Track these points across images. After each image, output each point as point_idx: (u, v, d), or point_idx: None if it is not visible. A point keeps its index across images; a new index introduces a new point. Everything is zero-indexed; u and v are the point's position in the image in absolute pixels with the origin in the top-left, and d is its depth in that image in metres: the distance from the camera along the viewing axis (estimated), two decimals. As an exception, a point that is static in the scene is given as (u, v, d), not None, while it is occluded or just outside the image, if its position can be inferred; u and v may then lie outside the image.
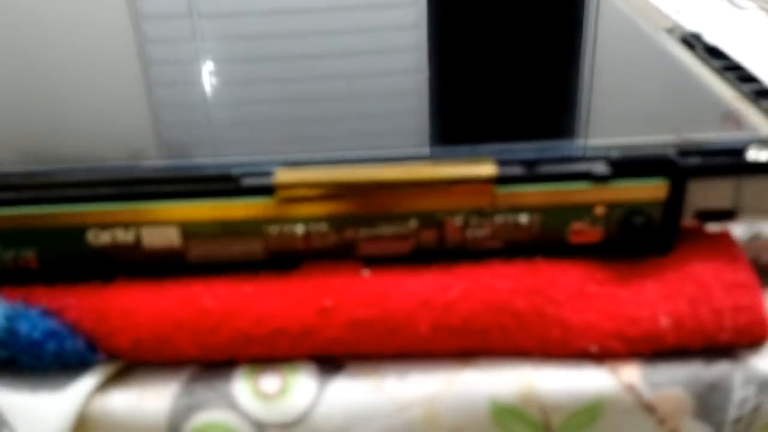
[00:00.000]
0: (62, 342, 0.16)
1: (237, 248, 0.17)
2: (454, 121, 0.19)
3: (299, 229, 0.16)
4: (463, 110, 0.20)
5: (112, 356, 0.16)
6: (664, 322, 0.16)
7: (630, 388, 0.16)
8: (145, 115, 0.20)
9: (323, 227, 0.16)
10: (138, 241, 0.16)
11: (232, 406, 0.16)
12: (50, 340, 0.16)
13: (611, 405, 0.16)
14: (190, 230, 0.16)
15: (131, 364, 0.16)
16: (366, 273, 0.17)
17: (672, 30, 0.23)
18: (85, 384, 0.16)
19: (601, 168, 0.16)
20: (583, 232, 0.17)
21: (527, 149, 0.17)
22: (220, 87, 0.22)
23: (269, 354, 0.16)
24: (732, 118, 0.18)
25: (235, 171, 0.16)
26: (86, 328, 0.16)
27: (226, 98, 0.22)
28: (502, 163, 0.16)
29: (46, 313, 0.16)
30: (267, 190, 0.16)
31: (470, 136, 0.18)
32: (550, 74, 0.22)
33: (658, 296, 0.16)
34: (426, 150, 0.17)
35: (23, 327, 0.16)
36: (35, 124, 0.20)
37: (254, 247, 0.17)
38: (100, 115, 0.20)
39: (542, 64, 0.22)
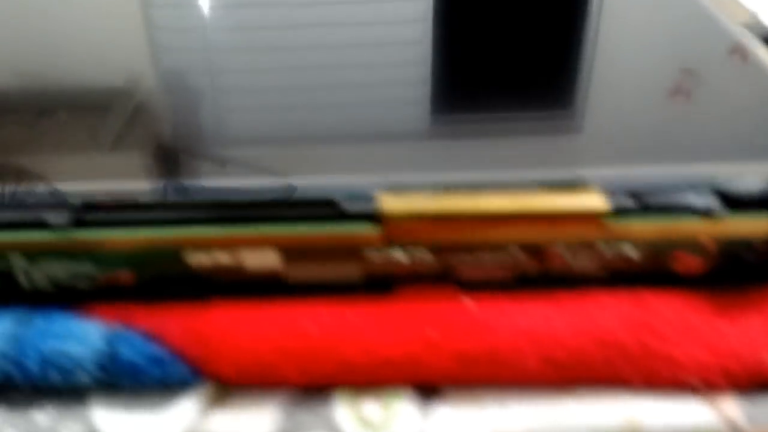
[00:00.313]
0: (165, 367, 0.16)
1: (336, 271, 0.16)
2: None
3: (400, 255, 0.16)
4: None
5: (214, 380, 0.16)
6: (769, 358, 0.16)
7: (730, 422, 0.16)
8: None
9: (424, 253, 0.16)
10: (237, 263, 0.16)
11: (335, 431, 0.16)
12: (153, 366, 0.16)
13: (711, 438, 0.16)
14: (290, 253, 0.16)
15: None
16: (467, 301, 0.16)
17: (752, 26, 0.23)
18: (187, 407, 0.16)
19: (712, 203, 0.16)
20: (688, 262, 0.16)
21: (633, 176, 0.16)
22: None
23: (371, 381, 0.16)
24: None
25: (337, 196, 0.16)
26: (189, 353, 0.16)
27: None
28: (610, 193, 0.16)
29: (148, 337, 0.16)
30: (370, 217, 0.16)
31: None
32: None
33: (763, 331, 0.16)
34: (532, 174, 0.16)
35: (125, 352, 0.16)
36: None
37: (353, 270, 0.16)
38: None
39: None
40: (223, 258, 0.16)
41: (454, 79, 0.22)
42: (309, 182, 0.16)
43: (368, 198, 0.16)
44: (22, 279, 0.16)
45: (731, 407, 0.16)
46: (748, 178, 0.16)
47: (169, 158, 0.21)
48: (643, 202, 0.16)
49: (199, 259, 0.16)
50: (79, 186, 0.16)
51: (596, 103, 0.24)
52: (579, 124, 0.22)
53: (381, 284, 0.17)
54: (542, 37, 0.24)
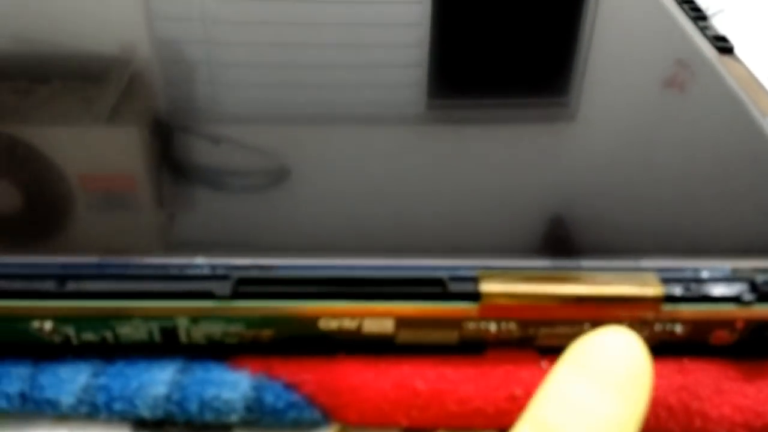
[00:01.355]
0: (301, 412, 0.19)
1: (438, 336, 0.20)
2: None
3: (492, 326, 0.20)
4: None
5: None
6: (783, 417, 0.20)
7: (748, 466, 0.20)
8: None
9: (512, 326, 0.20)
10: (359, 328, 0.20)
11: (435, 469, 0.20)
12: (291, 410, 0.19)
13: (733, 479, 0.20)
14: (402, 322, 0.20)
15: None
16: (545, 364, 0.20)
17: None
18: (317, 442, 0.20)
19: (747, 296, 0.19)
20: (722, 337, 0.20)
21: (684, 268, 0.20)
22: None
23: (466, 426, 0.20)
24: None
25: (443, 275, 0.19)
26: (321, 401, 0.19)
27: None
28: (665, 281, 0.20)
29: (287, 386, 0.20)
30: (471, 296, 0.19)
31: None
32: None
33: (779, 394, 0.20)
34: (595, 264, 0.20)
35: (268, 398, 0.19)
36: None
37: (452, 336, 0.20)
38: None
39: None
40: (347, 324, 0.20)
41: (451, 63, 0.24)
42: (418, 262, 0.20)
43: (469, 279, 0.19)
44: (182, 335, 0.20)
45: (750, 454, 0.20)
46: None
47: (164, 133, 0.23)
48: (690, 290, 0.20)
49: (328, 324, 0.20)
50: (236, 261, 0.20)
51: (591, 91, 0.27)
52: (573, 111, 0.26)
53: (474, 347, 0.20)
54: (540, 25, 0.26)
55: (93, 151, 0.23)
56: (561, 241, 0.21)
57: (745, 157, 0.25)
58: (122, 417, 0.20)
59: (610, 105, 0.27)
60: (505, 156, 0.25)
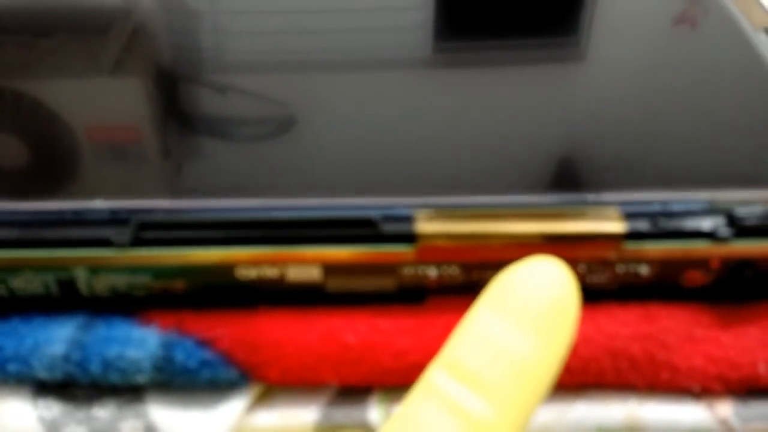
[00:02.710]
0: (216, 370, 0.17)
1: (372, 283, 0.18)
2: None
3: (432, 271, 0.18)
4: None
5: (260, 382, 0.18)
6: (762, 368, 0.18)
7: (723, 422, 0.18)
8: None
9: (455, 270, 0.18)
10: (282, 276, 0.18)
11: (369, 430, 0.18)
12: (204, 369, 0.17)
13: (705, 436, 0.18)
14: (330, 268, 0.17)
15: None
16: (492, 313, 0.18)
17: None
18: (236, 405, 0.18)
19: (724, 231, 0.17)
20: (694, 278, 0.18)
21: (651, 201, 0.18)
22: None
23: (403, 384, 0.18)
24: None
25: (375, 215, 0.17)
26: (238, 358, 0.17)
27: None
28: (628, 216, 0.17)
29: (200, 343, 0.17)
30: (407, 237, 0.17)
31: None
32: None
33: (758, 343, 0.18)
34: (551, 199, 0.18)
35: (179, 356, 0.17)
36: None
37: (387, 283, 0.18)
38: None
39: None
40: (268, 272, 0.17)
41: (457, 4, 0.23)
42: (347, 202, 0.18)
43: (405, 219, 0.17)
44: (82, 287, 0.18)
45: (725, 409, 0.18)
46: (753, 204, 0.17)
47: (169, 84, 0.22)
48: (657, 226, 0.17)
49: (246, 272, 0.17)
50: (138, 204, 0.17)
51: (600, 30, 0.25)
52: (583, 52, 0.24)
53: (412, 295, 0.18)
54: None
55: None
56: (508, 175, 0.19)
57: (731, 79, 0.22)
58: (19, 379, 0.18)
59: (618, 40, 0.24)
60: (467, 98, 0.22)
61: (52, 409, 0.18)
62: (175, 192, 0.18)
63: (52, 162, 0.19)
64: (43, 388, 0.18)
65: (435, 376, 0.13)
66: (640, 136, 0.20)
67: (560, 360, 0.13)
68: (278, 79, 0.23)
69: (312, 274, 0.18)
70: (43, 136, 0.20)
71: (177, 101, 0.22)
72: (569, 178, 0.19)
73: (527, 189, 0.18)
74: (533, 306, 0.13)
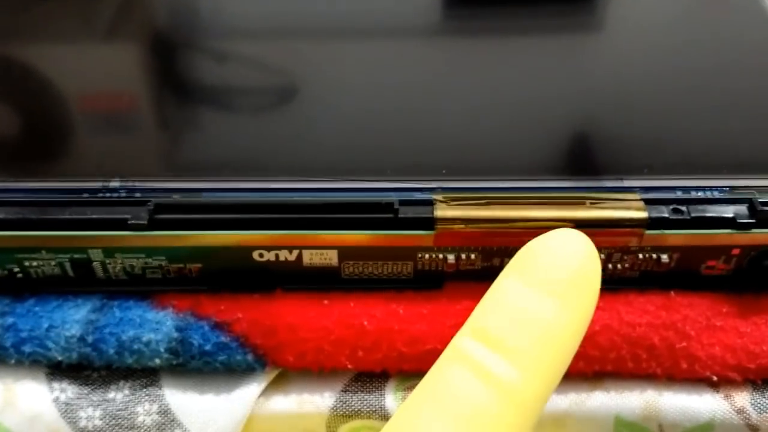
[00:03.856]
0: (232, 354, 0.17)
1: (389, 269, 0.18)
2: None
3: (450, 256, 0.17)
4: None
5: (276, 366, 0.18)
6: (780, 357, 0.17)
7: (740, 411, 0.18)
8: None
9: (473, 256, 0.17)
10: (298, 259, 0.17)
11: (385, 417, 0.17)
12: (221, 352, 0.17)
13: (722, 425, 0.18)
14: (347, 252, 0.17)
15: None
16: (510, 299, 0.18)
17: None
18: (252, 389, 0.17)
19: (745, 219, 0.17)
20: (715, 266, 0.18)
21: (672, 188, 0.17)
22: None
23: (419, 369, 0.18)
24: None
25: (393, 199, 0.17)
26: (254, 342, 0.17)
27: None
28: (649, 203, 0.17)
29: (216, 326, 0.17)
30: (425, 222, 0.17)
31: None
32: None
33: (777, 332, 0.18)
34: (572, 184, 0.17)
35: (195, 339, 0.17)
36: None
37: (405, 268, 0.18)
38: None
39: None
40: (285, 255, 0.17)
41: None
42: (365, 185, 0.17)
43: (424, 203, 0.17)
44: (98, 269, 0.17)
45: (742, 398, 0.18)
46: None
47: (165, 50, 0.21)
48: (679, 214, 0.17)
49: (264, 256, 0.17)
50: (154, 185, 0.17)
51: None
52: (599, 19, 0.23)
53: (430, 280, 0.18)
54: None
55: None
56: (530, 161, 0.18)
57: (756, 60, 0.22)
58: (33, 360, 0.17)
59: (628, 17, 0.24)
60: (479, 71, 0.22)
61: (66, 391, 0.17)
62: (191, 172, 0.18)
63: (62, 137, 0.19)
64: (58, 371, 0.18)
65: (461, 342, 0.13)
66: (661, 121, 0.19)
67: (584, 326, 0.14)
68: (288, 50, 0.22)
69: (329, 258, 0.17)
70: (47, 108, 0.20)
71: (178, 72, 0.21)
72: (590, 164, 0.18)
73: (548, 174, 0.18)
74: (556, 273, 0.13)
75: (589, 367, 0.17)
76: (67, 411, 0.17)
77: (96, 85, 0.21)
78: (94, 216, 0.17)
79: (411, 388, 0.18)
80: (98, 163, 0.18)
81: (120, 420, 0.17)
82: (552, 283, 0.13)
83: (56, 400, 0.17)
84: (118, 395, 0.17)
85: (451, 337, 0.17)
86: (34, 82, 0.21)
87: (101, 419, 0.17)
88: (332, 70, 0.22)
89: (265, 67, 0.22)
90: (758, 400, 0.18)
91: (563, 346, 0.13)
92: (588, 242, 0.14)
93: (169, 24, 0.23)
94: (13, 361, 0.17)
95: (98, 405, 0.17)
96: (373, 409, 0.18)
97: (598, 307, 0.18)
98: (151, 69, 0.21)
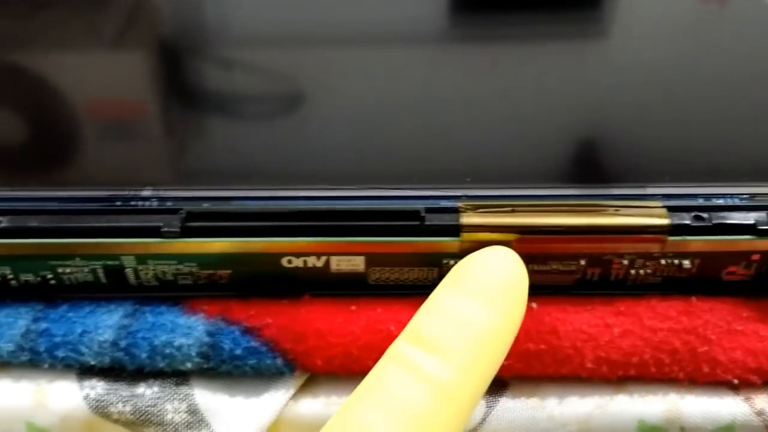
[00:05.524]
0: (262, 358, 0.18)
1: (415, 275, 0.18)
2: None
3: (476, 262, 0.18)
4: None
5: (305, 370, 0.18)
6: (800, 360, 0.18)
7: (760, 413, 0.18)
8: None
9: (498, 262, 0.18)
10: (326, 266, 0.18)
11: (413, 420, 0.18)
12: (251, 357, 0.18)
13: (742, 427, 0.18)
14: (374, 259, 0.18)
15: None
16: (533, 305, 0.18)
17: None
18: (281, 393, 0.18)
19: (765, 224, 0.17)
20: (735, 272, 0.18)
21: (694, 195, 0.18)
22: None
23: (444, 374, 0.18)
24: None
25: (419, 207, 0.17)
26: (284, 347, 0.18)
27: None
28: (672, 210, 0.17)
29: (246, 331, 0.18)
30: (451, 229, 0.17)
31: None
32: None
33: (797, 335, 0.18)
34: (595, 191, 0.18)
35: (226, 343, 0.18)
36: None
37: (430, 275, 0.18)
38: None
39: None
40: (313, 261, 0.18)
41: None
42: (392, 192, 0.18)
43: (449, 211, 0.17)
44: (130, 275, 0.18)
45: (762, 400, 0.18)
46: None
47: (172, 58, 0.22)
48: (700, 220, 0.17)
49: (291, 262, 0.18)
50: (184, 193, 0.17)
51: (624, 4, 0.25)
52: (606, 27, 0.23)
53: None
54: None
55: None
56: (554, 168, 0.19)
57: None
58: (66, 365, 0.18)
59: (640, 22, 0.24)
60: (492, 80, 0.22)
61: (96, 388, 0.18)
62: (220, 181, 0.18)
63: (94, 147, 0.19)
64: (89, 370, 0.18)
65: (398, 345, 0.15)
66: (682, 129, 0.20)
67: (513, 330, 0.15)
68: (303, 58, 0.22)
69: (356, 264, 0.18)
70: (80, 118, 0.20)
71: (205, 83, 0.22)
72: (613, 171, 0.19)
73: (571, 182, 0.18)
74: (486, 282, 0.15)
75: (612, 372, 0.18)
76: (98, 407, 0.18)
77: (126, 94, 0.21)
78: (127, 224, 0.17)
79: (437, 391, 0.18)
80: (129, 172, 0.19)
81: (149, 416, 0.18)
82: (481, 291, 0.15)
83: (86, 397, 0.18)
84: (147, 391, 0.18)
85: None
86: (63, 93, 0.21)
87: (132, 414, 0.18)
88: (351, 78, 0.22)
89: (287, 76, 0.22)
90: (778, 403, 0.18)
91: (493, 347, 0.15)
92: (515, 256, 0.16)
93: (182, 31, 0.24)
94: (46, 366, 0.18)
95: (128, 400, 0.18)
96: (400, 412, 0.18)
97: (620, 312, 0.18)
98: (177, 79, 0.22)
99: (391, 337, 0.17)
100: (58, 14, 0.23)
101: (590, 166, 0.19)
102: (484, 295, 0.15)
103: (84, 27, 0.23)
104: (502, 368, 0.18)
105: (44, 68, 0.22)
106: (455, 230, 0.17)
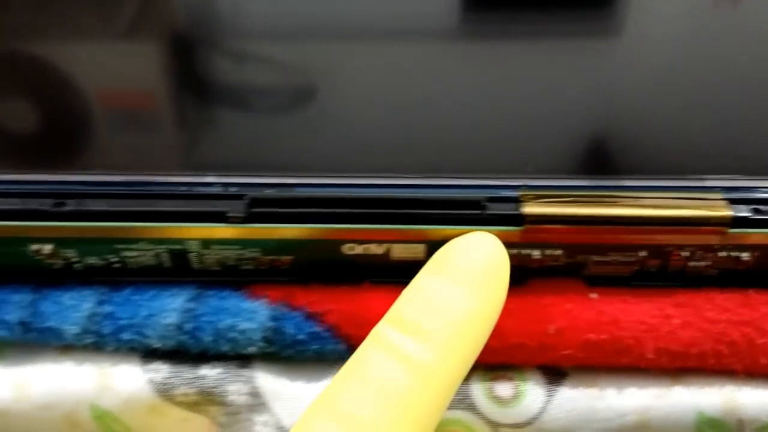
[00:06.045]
0: (324, 344, 0.18)
1: (474, 263, 0.18)
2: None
3: (535, 253, 0.18)
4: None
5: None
6: None
7: (818, 407, 0.18)
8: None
9: (558, 253, 0.18)
10: (387, 253, 0.18)
11: (471, 407, 0.18)
12: (314, 342, 0.18)
13: (799, 420, 0.18)
14: (434, 247, 0.18)
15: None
16: (594, 295, 0.18)
17: None
18: (340, 378, 0.18)
19: (823, 216, 0.17)
20: (794, 265, 0.18)
21: (755, 188, 0.18)
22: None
23: (503, 362, 0.18)
24: None
25: (481, 196, 0.17)
26: (345, 332, 0.18)
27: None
28: (732, 202, 0.17)
29: (309, 316, 0.18)
30: (512, 219, 0.17)
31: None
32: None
33: None
34: (656, 183, 0.18)
35: (289, 329, 0.18)
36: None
37: (490, 263, 0.18)
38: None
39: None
40: (374, 249, 0.18)
41: None
42: (453, 182, 0.18)
43: (511, 200, 0.17)
44: (194, 260, 0.18)
45: (821, 394, 0.18)
46: None
47: (185, 49, 0.22)
48: (760, 213, 0.17)
49: (352, 249, 0.18)
50: (248, 179, 0.18)
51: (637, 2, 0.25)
52: (618, 25, 0.23)
53: (515, 276, 0.18)
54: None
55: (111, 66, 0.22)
56: (614, 159, 0.19)
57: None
58: (131, 347, 0.18)
59: (658, 16, 0.24)
60: (547, 71, 0.22)
61: (161, 371, 0.18)
62: (285, 168, 0.18)
63: (161, 133, 0.20)
64: (152, 353, 0.18)
65: (380, 329, 0.15)
66: (743, 122, 0.20)
67: (494, 313, 0.16)
68: (299, 48, 0.23)
69: (416, 252, 0.18)
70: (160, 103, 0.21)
71: (268, 75, 0.22)
72: (673, 164, 0.19)
73: (632, 173, 0.18)
74: (467, 266, 0.15)
75: (671, 363, 0.18)
76: (162, 389, 0.18)
77: (193, 83, 0.21)
78: (193, 209, 0.17)
79: (495, 379, 0.18)
80: (194, 157, 0.19)
81: (212, 396, 0.18)
82: (462, 274, 0.15)
83: (151, 380, 0.18)
84: (210, 372, 0.18)
85: (536, 332, 0.18)
86: (135, 80, 0.21)
87: (195, 395, 0.18)
88: (398, 70, 0.22)
89: (336, 68, 0.22)
90: (836, 397, 0.18)
91: (474, 330, 0.15)
92: (496, 241, 0.16)
93: (189, 23, 0.24)
94: (110, 349, 0.18)
95: (192, 382, 0.18)
96: (459, 397, 0.18)
97: (679, 304, 0.18)
98: (245, 69, 0.22)
99: (451, 325, 0.18)
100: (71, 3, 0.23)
101: (650, 158, 0.19)
102: (464, 279, 0.15)
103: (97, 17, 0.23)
104: (563, 358, 0.18)
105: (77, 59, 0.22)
106: (516, 219, 0.17)
